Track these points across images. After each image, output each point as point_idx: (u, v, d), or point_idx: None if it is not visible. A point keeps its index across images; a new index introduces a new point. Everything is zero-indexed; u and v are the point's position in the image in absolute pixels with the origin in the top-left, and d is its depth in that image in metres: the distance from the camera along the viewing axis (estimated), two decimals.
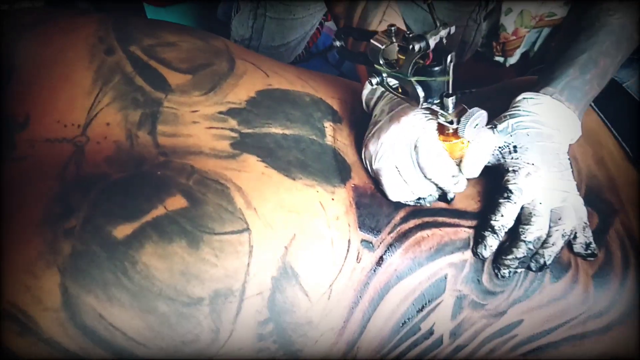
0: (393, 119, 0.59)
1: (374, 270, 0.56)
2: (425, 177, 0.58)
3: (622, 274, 0.64)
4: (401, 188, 0.59)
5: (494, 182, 0.63)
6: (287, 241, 0.51)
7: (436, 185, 0.59)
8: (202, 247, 0.47)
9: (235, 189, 0.51)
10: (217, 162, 0.53)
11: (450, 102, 0.54)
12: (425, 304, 0.58)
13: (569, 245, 0.63)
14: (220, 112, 0.57)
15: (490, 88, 0.84)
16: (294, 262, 0.51)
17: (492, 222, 0.59)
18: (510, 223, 0.59)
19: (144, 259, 0.45)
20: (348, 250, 0.54)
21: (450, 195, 0.63)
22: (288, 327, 0.50)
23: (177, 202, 0.49)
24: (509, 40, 1.77)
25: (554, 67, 0.69)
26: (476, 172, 0.59)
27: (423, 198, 0.60)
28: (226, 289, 0.47)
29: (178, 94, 0.57)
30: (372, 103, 0.64)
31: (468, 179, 0.60)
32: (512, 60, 1.83)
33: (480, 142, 0.58)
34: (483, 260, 0.60)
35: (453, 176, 0.58)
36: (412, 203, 0.60)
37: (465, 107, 0.55)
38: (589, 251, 0.62)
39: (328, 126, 0.62)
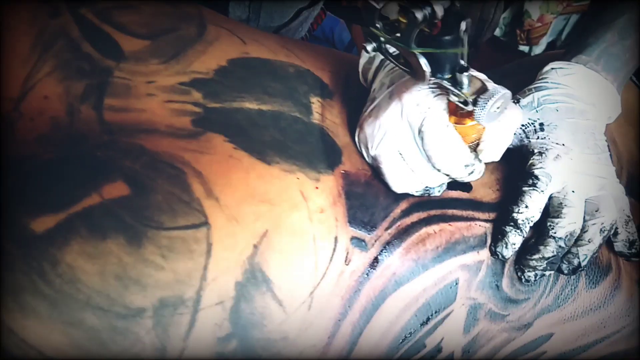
0: (393, 96, 0.48)
1: (367, 274, 0.45)
2: (433, 167, 0.47)
3: None
4: (408, 177, 0.48)
5: (516, 166, 0.52)
6: (256, 238, 0.41)
7: (448, 176, 0.48)
8: (146, 244, 0.38)
9: (193, 174, 0.42)
10: (173, 141, 0.44)
11: (464, 78, 0.43)
12: (432, 315, 0.48)
13: (608, 243, 0.52)
14: (182, 83, 0.47)
15: (512, 64, 0.73)
16: (264, 264, 0.41)
17: (515, 214, 0.49)
18: (536, 216, 0.49)
19: (69, 258, 0.36)
20: (334, 250, 0.44)
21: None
22: (257, 345, 0.41)
23: (117, 189, 0.39)
24: (534, 27, 1.65)
25: (587, 31, 0.58)
26: (497, 156, 0.49)
27: (431, 187, 0.50)
28: (175, 297, 0.38)
29: (132, 62, 0.48)
30: (370, 74, 0.53)
31: (486, 164, 0.50)
32: (538, 49, 1.71)
33: (502, 119, 0.47)
34: (503, 261, 0.50)
35: (466, 166, 0.47)
36: (418, 193, 0.50)
37: (484, 82, 0.44)
38: (633, 250, 0.51)
39: (315, 102, 0.52)
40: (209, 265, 0.39)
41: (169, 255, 0.38)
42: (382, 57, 0.53)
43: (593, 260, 0.51)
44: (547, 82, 0.54)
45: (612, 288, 0.52)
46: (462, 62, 0.42)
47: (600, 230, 0.49)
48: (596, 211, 0.49)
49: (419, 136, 0.46)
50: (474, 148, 0.48)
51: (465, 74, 0.42)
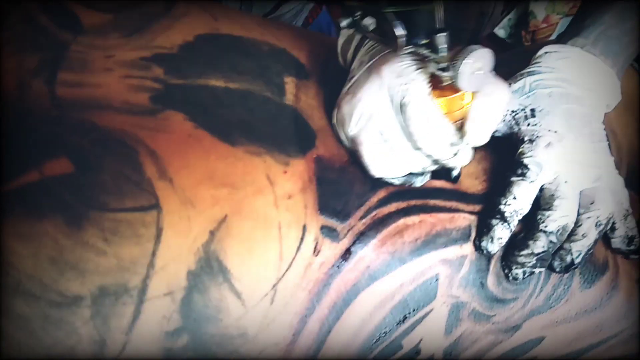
0: (372, 70, 0.45)
1: (338, 267, 0.42)
2: (415, 146, 0.44)
3: None
4: (387, 160, 0.45)
5: (505, 157, 0.48)
6: (213, 224, 0.38)
7: (430, 157, 0.45)
8: (86, 226, 0.34)
9: (146, 153, 0.38)
10: (128, 118, 0.40)
11: (442, 39, 0.39)
12: (409, 313, 0.44)
13: (605, 239, 0.48)
14: (143, 58, 0.44)
15: (507, 53, 0.70)
16: (222, 253, 0.37)
17: (502, 206, 0.45)
18: (525, 208, 0.45)
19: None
20: (302, 239, 0.41)
21: (455, 172, 0.48)
22: (211, 341, 0.37)
23: (59, 166, 0.36)
24: (539, 28, 1.61)
25: (585, 13, 0.54)
26: (484, 137, 0.45)
27: (414, 174, 0.46)
28: (118, 285, 0.34)
29: (92, 35, 0.44)
30: (349, 54, 0.50)
31: (474, 148, 0.46)
32: None
33: (488, 94, 0.43)
34: (488, 256, 0.46)
35: (451, 144, 0.43)
36: (399, 181, 0.46)
37: (466, 48, 0.40)
38: (633, 247, 0.47)
39: (289, 82, 0.48)
40: (157, 252, 0.36)
41: (113, 239, 0.35)
42: (361, 36, 0.50)
43: (588, 258, 0.47)
44: (540, 67, 0.50)
45: (609, 288, 0.48)
46: (438, 23, 0.39)
47: (596, 224, 0.45)
48: (591, 204, 0.45)
49: (400, 110, 0.43)
50: (459, 128, 0.45)
51: (442, 35, 0.38)
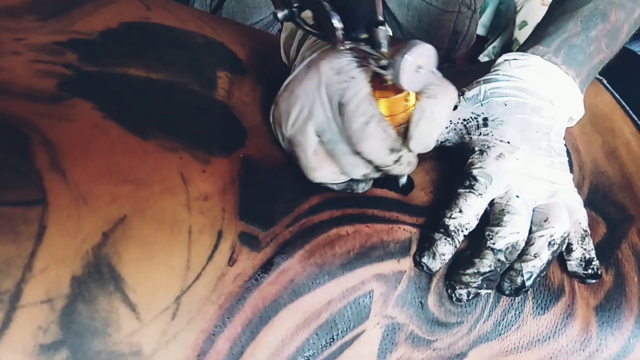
0: (311, 65, 0.41)
1: (257, 280, 0.37)
2: (354, 150, 0.40)
3: (639, 306, 0.44)
4: (325, 165, 0.41)
5: (456, 168, 0.45)
6: (109, 225, 0.33)
7: (372, 163, 0.41)
8: None
9: (40, 142, 0.34)
10: (28, 105, 0.36)
11: (381, 34, 0.36)
12: (337, 334, 0.39)
13: (561, 261, 0.44)
14: (57, 43, 0.40)
15: (473, 65, 0.67)
16: (115, 258, 0.33)
17: (446, 219, 0.41)
18: (472, 223, 0.41)
19: None
20: (216, 247, 0.36)
21: (402, 180, 0.44)
22: (97, 358, 0.32)
23: None
24: None
25: (547, 21, 0.51)
26: (429, 143, 0.41)
27: (356, 181, 0.42)
28: None
29: (3, 17, 0.41)
30: (292, 50, 0.46)
31: (419, 155, 0.42)
32: None
33: (433, 96, 0.40)
34: (429, 274, 0.42)
35: (392, 150, 0.39)
36: (339, 187, 0.42)
37: (407, 43, 0.37)
38: (590, 271, 0.43)
39: (222, 77, 0.45)
40: (37, 253, 0.31)
41: None
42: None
43: (542, 281, 0.43)
44: (498, 74, 0.47)
45: (564, 315, 0.43)
46: (379, 16, 0.35)
47: (549, 243, 0.41)
48: (545, 221, 0.41)
49: (338, 110, 0.39)
50: (403, 133, 0.41)
51: (382, 29, 0.35)
